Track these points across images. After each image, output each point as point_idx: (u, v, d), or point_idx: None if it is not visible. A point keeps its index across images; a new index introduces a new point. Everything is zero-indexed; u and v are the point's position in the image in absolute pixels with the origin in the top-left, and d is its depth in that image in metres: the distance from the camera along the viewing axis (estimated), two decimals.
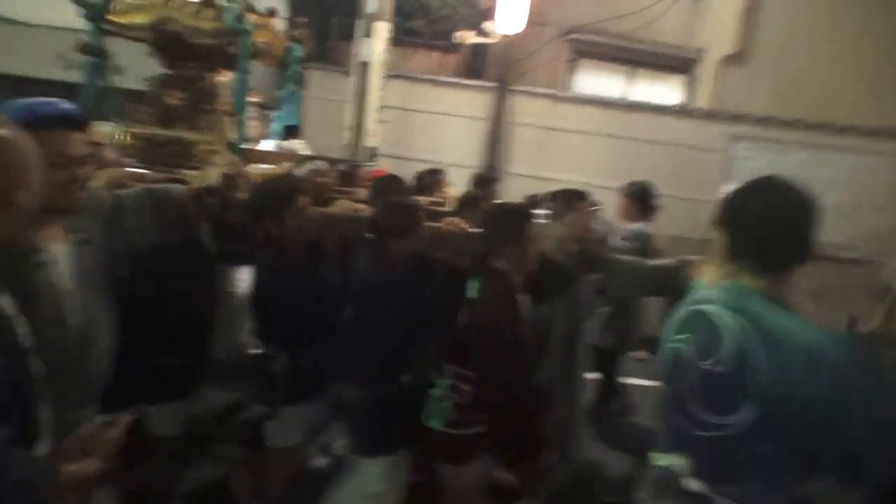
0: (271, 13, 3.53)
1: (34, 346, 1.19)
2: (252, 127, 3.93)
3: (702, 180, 6.35)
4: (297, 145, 4.38)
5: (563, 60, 8.19)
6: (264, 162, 3.32)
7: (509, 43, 7.24)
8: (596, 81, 8.13)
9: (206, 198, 2.09)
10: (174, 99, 3.24)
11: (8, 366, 1.09)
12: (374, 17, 6.04)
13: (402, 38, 7.13)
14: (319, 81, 7.03)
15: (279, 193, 2.15)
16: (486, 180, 4.43)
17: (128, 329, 1.76)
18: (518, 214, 2.22)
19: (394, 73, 7.01)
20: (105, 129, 3.13)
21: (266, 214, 2.13)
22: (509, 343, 2.01)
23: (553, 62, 8.10)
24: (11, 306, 1.16)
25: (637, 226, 3.49)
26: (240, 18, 2.96)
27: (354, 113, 6.28)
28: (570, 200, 2.68)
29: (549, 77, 7.91)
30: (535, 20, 7.75)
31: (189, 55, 3.26)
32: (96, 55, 3.20)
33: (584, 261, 2.32)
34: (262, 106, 4.68)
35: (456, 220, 2.30)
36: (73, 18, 3.19)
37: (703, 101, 7.44)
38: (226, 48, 3.11)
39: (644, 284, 2.07)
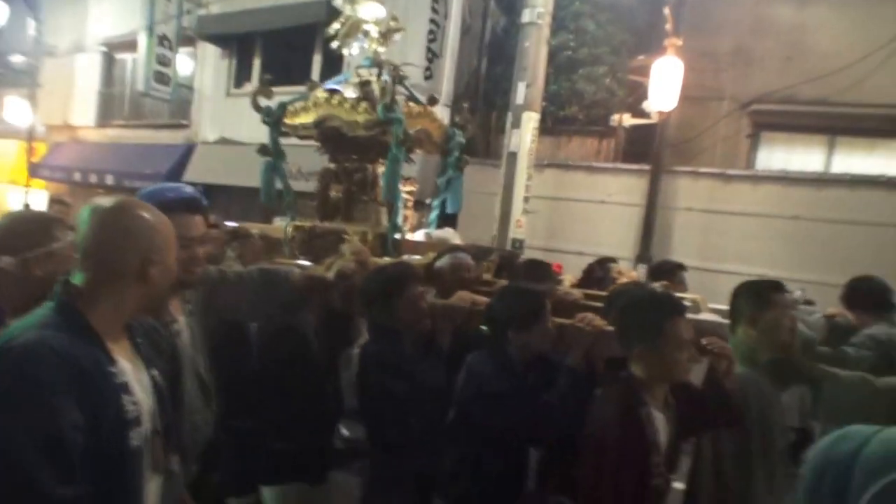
0: (432, 101, 3.55)
1: (138, 418, 1.20)
2: (407, 216, 3.88)
3: None
4: (449, 234, 4.22)
5: (744, 136, 7.31)
6: (415, 252, 3.25)
7: (670, 122, 6.74)
8: (785, 156, 7.08)
9: (320, 284, 2.08)
10: (335, 192, 3.37)
11: (103, 435, 1.12)
12: (523, 108, 6.08)
13: (557, 126, 7.06)
14: (475, 174, 7.23)
15: (388, 281, 2.07)
16: (661, 270, 3.95)
17: (234, 406, 1.90)
18: (665, 305, 1.74)
19: (547, 163, 6.95)
20: (279, 224, 3.43)
21: (375, 302, 2.06)
22: (628, 481, 1.59)
23: (732, 139, 7.28)
24: (125, 374, 1.21)
25: (875, 330, 2.66)
26: (389, 108, 2.97)
27: (502, 204, 6.28)
28: (763, 294, 2.00)
29: (728, 155, 7.11)
30: (710, 95, 7.14)
31: (348, 148, 3.38)
32: (273, 156, 3.44)
33: (785, 374, 1.97)
34: (411, 195, 4.45)
35: (591, 315, 1.96)
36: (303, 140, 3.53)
37: None
38: (380, 139, 3.13)
39: (872, 408, 1.72)
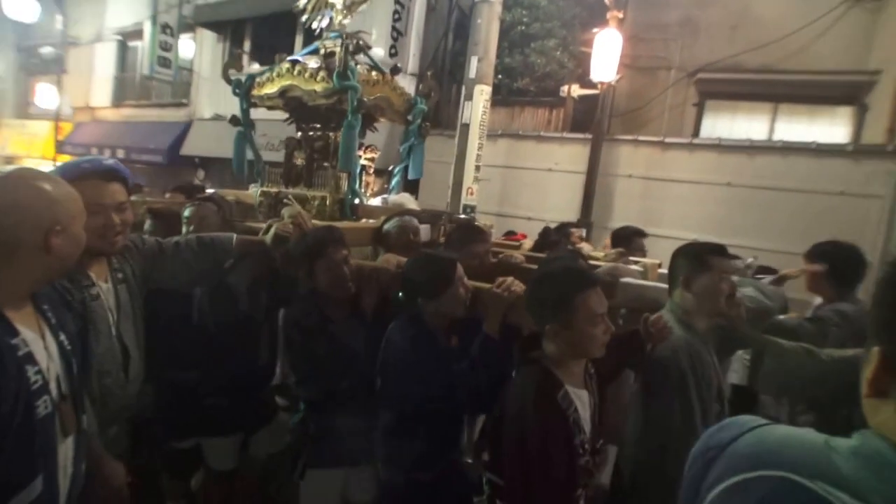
0: (395, 70, 3.61)
1: (44, 386, 1.22)
2: (369, 182, 4.03)
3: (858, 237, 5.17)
4: (405, 199, 4.24)
5: (691, 104, 7.51)
6: (371, 217, 3.32)
7: (619, 91, 7.00)
8: (729, 124, 7.25)
9: (256, 247, 2.14)
10: (299, 159, 3.47)
11: (6, 406, 1.12)
12: (475, 82, 6.45)
13: (511, 98, 7.42)
14: (436, 144, 7.68)
15: (310, 244, 2.07)
16: (619, 236, 3.88)
17: (176, 363, 2.00)
18: (575, 278, 1.60)
19: (500, 133, 7.32)
20: (251, 192, 3.55)
21: (299, 264, 2.08)
22: (554, 467, 1.49)
23: (679, 107, 7.48)
24: (28, 344, 1.20)
25: (840, 306, 2.43)
26: (343, 76, 3.00)
27: (454, 172, 6.67)
28: (701, 256, 1.89)
29: (675, 124, 7.33)
30: (659, 65, 7.36)
31: (311, 117, 3.43)
32: (243, 126, 3.56)
33: (726, 341, 1.90)
34: (372, 161, 4.46)
35: (510, 279, 1.87)
36: (281, 113, 3.62)
37: (876, 136, 6.06)
38: (339, 107, 3.14)
39: (816, 380, 1.66)
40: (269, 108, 3.62)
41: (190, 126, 10.09)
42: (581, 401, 1.58)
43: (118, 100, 11.95)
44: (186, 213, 2.43)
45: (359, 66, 3.32)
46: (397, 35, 7.53)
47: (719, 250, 1.90)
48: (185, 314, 2.14)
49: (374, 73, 3.42)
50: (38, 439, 1.20)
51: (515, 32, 7.14)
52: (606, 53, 5.79)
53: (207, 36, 10.08)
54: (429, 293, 1.88)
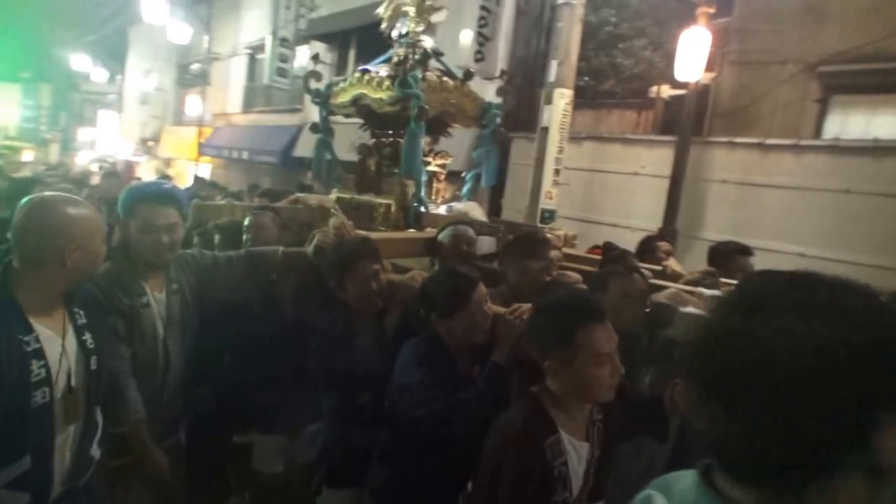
0: (467, 76, 3.57)
1: (45, 379, 1.39)
2: (440, 189, 3.86)
3: None
4: (470, 207, 3.97)
5: (812, 100, 6.67)
6: (435, 225, 3.14)
7: (722, 89, 6.44)
8: (865, 122, 6.32)
9: (299, 259, 2.18)
10: (371, 166, 3.53)
11: (5, 393, 1.30)
12: (554, 85, 6.35)
13: (598, 100, 7.14)
14: (522, 148, 7.64)
15: (342, 255, 2.03)
16: (717, 253, 3.32)
17: (235, 364, 2.17)
18: (579, 310, 1.42)
19: (585, 136, 7.08)
20: (331, 196, 3.56)
21: (330, 275, 2.03)
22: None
23: (796, 104, 6.68)
24: (41, 341, 1.40)
25: None
26: (404, 83, 3.00)
27: (533, 176, 6.61)
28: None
29: (790, 123, 6.56)
30: (770, 58, 6.63)
31: (382, 124, 3.48)
32: (323, 132, 3.73)
33: None
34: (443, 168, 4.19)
35: (525, 307, 1.69)
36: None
37: None
38: (406, 114, 3.13)
39: None
40: (346, 115, 3.74)
41: (301, 130, 11.00)
42: (576, 452, 1.39)
43: (247, 106, 13.36)
44: (246, 221, 2.55)
45: (429, 73, 3.34)
46: (483, 40, 7.58)
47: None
48: (243, 322, 2.25)
49: (445, 79, 3.44)
50: (31, 424, 1.37)
51: (603, 33, 6.87)
52: (693, 52, 5.37)
53: (319, 47, 10.89)
54: (442, 311, 1.73)
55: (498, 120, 3.85)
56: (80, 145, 20.33)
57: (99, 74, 17.75)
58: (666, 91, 6.48)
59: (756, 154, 5.82)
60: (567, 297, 1.56)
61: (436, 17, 3.67)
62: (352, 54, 10.19)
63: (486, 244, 2.73)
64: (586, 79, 7.00)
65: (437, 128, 3.68)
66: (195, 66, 14.87)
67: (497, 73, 8.22)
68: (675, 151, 5.79)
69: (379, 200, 3.27)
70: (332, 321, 2.04)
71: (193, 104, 14.66)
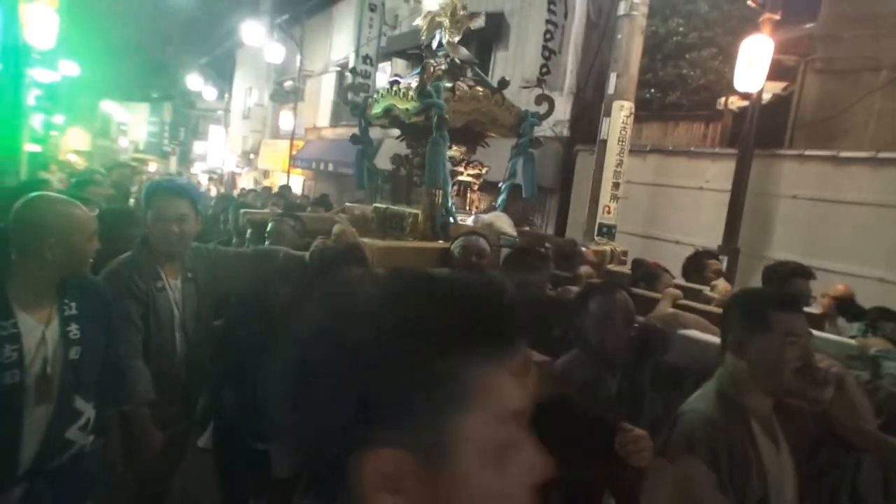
0: (502, 84, 3.55)
1: (17, 361, 1.48)
2: (474, 200, 3.92)
3: None
4: (495, 218, 3.88)
5: None
6: (459, 235, 3.10)
7: (806, 98, 6.11)
8: None
9: (297, 263, 2.22)
10: (403, 176, 3.60)
11: None
12: (613, 98, 6.34)
13: (664, 112, 7.00)
14: (583, 160, 7.64)
15: (323, 261, 2.10)
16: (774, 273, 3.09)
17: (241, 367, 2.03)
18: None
19: (649, 148, 6.96)
20: (370, 206, 3.75)
21: (315, 280, 2.08)
22: None
23: (891, 114, 6.17)
24: (17, 327, 1.50)
25: None
26: (423, 93, 3.02)
27: (592, 190, 6.60)
28: (760, 312, 1.43)
29: (884, 134, 6.08)
30: (860, 66, 6.18)
31: (413, 134, 3.53)
32: (362, 143, 3.86)
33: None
34: (477, 178, 4.12)
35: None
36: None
37: None
38: (429, 124, 3.13)
39: None
40: (382, 126, 3.92)
41: (382, 143, 11.62)
42: None
43: (335, 121, 14.30)
44: (269, 228, 2.76)
45: (461, 82, 3.40)
46: (549, 54, 7.67)
47: (786, 304, 1.42)
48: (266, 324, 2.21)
49: (478, 88, 3.46)
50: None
51: (671, 44, 6.74)
52: (754, 60, 5.17)
53: (398, 63, 11.47)
54: None
55: (536, 129, 3.81)
56: (196, 157, 22.62)
57: (210, 93, 19.71)
58: (735, 102, 6.25)
59: (828, 167, 5.47)
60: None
61: (475, 24, 3.76)
62: None
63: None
64: (652, 90, 6.90)
65: (471, 138, 3.69)
66: (288, 83, 16.11)
67: (566, 86, 8.38)
68: (737, 164, 5.56)
69: (409, 210, 3.35)
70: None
71: (287, 119, 15.88)
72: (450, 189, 3.45)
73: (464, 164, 3.80)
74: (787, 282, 2.90)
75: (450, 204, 3.34)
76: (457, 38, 3.59)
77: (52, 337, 1.58)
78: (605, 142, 6.43)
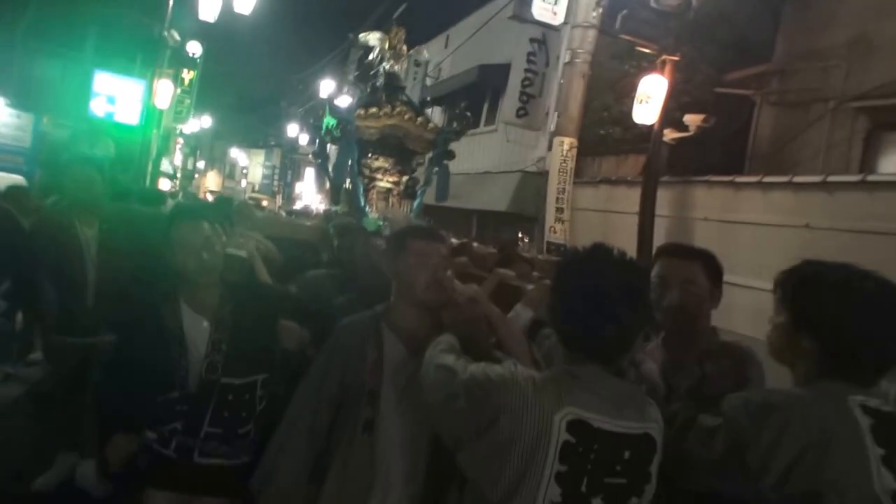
0: (423, 104, 5.04)
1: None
2: (394, 203, 4.96)
3: None
4: (394, 214, 4.85)
5: (859, 138, 6.26)
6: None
7: (758, 130, 6.54)
8: None
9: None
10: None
11: None
12: (554, 134, 7.21)
13: (618, 147, 7.61)
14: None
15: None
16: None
17: None
18: None
19: (599, 179, 7.57)
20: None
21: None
22: None
23: (843, 143, 6.32)
24: None
25: None
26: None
27: (539, 214, 7.43)
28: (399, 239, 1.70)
29: (837, 161, 6.26)
30: (810, 97, 6.44)
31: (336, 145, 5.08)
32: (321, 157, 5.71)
33: None
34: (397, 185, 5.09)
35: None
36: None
37: None
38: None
39: None
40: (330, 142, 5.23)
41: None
42: None
43: None
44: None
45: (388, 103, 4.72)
46: (527, 98, 8.54)
47: (419, 233, 1.70)
48: None
49: (400, 107, 4.69)
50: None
51: (624, 83, 7.40)
52: (651, 97, 5.76)
53: (436, 109, 12.95)
54: None
55: (449, 144, 4.83)
56: (297, 195, 25.79)
57: (304, 139, 22.61)
58: (668, 135, 6.74)
59: (731, 192, 5.79)
60: None
61: (420, 57, 5.48)
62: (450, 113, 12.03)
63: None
64: (608, 128, 7.57)
65: (393, 151, 4.80)
66: None
67: (548, 127, 9.22)
68: (642, 192, 6.06)
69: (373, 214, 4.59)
70: None
71: None
72: (360, 189, 4.61)
73: (382, 172, 4.83)
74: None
75: (361, 202, 4.49)
76: (397, 67, 5.02)
77: None
78: (548, 172, 7.25)
